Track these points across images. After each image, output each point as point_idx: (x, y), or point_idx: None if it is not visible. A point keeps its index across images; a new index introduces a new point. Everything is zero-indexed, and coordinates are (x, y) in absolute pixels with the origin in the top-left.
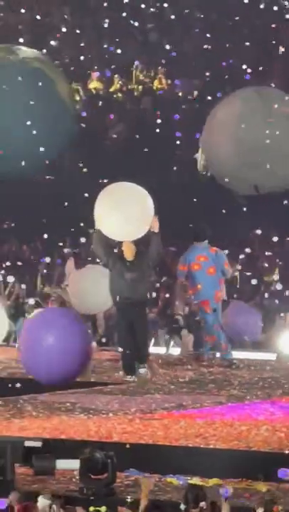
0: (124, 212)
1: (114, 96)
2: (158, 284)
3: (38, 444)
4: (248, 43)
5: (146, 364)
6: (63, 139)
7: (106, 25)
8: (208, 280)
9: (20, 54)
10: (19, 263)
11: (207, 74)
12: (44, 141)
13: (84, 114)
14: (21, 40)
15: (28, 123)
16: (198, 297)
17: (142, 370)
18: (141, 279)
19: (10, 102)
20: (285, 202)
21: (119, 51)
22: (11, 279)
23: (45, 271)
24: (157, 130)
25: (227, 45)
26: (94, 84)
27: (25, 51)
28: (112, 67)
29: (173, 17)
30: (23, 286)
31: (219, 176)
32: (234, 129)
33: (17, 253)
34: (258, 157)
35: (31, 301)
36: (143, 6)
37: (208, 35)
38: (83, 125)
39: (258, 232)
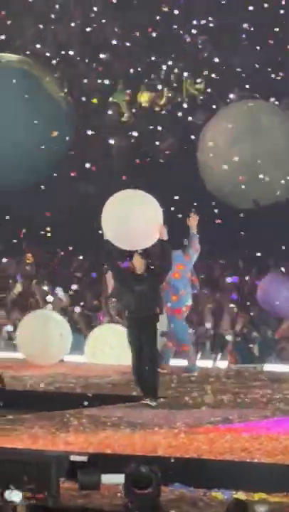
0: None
1: (163, 109)
2: None
3: (84, 458)
4: None
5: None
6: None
7: (156, 38)
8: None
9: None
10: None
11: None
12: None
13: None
14: (71, 52)
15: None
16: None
17: (153, 404)
18: (150, 292)
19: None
20: None
21: (170, 63)
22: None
23: None
24: None
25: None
26: (144, 98)
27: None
28: (162, 78)
29: (222, 29)
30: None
31: None
32: None
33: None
34: None
35: None
36: (193, 18)
37: (257, 47)
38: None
39: None
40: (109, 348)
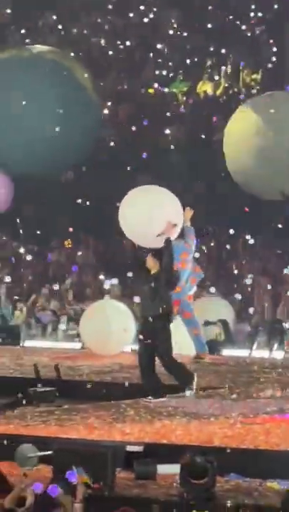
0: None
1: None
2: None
3: (140, 448)
4: None
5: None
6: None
7: (212, 28)
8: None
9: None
10: None
11: None
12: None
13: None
14: (128, 43)
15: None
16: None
17: (187, 393)
18: (158, 291)
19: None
20: None
21: (223, 51)
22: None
23: None
24: None
25: None
26: (204, 87)
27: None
28: (221, 69)
29: (280, 19)
30: None
31: None
32: None
33: None
34: None
35: None
36: (251, 7)
37: None
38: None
39: None
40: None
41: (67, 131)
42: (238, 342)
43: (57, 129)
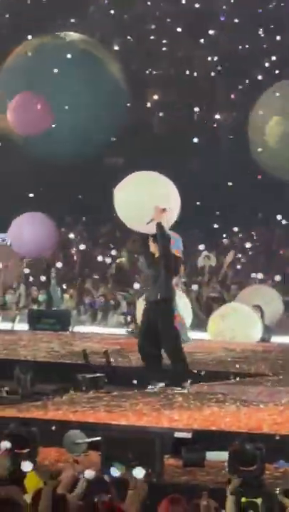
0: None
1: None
2: None
3: (188, 435)
4: None
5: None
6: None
7: (262, 14)
8: None
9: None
10: None
11: None
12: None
13: None
14: (179, 29)
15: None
16: None
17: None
18: (159, 275)
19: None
20: None
21: (278, 39)
22: None
23: None
24: None
25: None
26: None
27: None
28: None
29: None
30: None
31: None
32: None
33: None
34: None
35: None
36: None
37: None
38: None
39: None
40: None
41: (93, 119)
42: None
43: (83, 118)
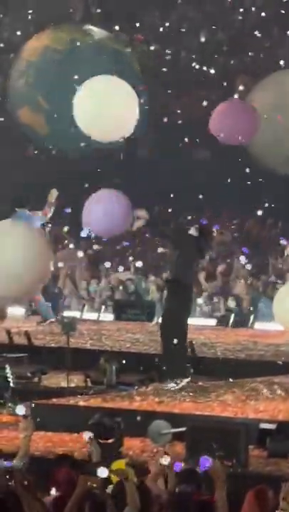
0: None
1: None
2: None
3: (273, 426)
4: None
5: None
6: None
7: None
8: None
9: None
10: None
11: None
12: None
13: None
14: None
15: None
16: None
17: (170, 385)
18: (183, 257)
19: None
20: None
21: None
22: None
23: None
24: None
25: None
26: None
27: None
28: None
29: None
30: None
31: None
32: None
33: None
34: None
35: None
36: None
37: None
38: None
39: None
40: None
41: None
42: None
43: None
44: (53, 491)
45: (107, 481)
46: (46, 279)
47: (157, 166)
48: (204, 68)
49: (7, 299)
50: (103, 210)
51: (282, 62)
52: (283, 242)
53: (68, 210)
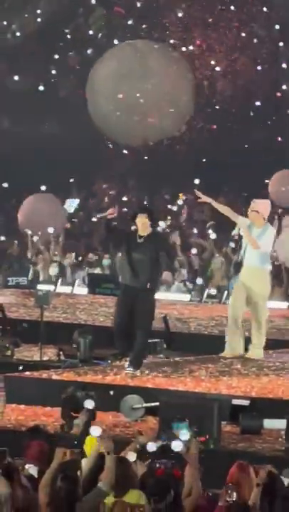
0: None
1: None
2: None
3: (246, 402)
4: None
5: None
6: None
7: None
8: None
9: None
10: None
11: None
12: None
13: None
14: None
15: None
16: None
17: (129, 368)
18: (149, 262)
19: None
20: None
21: None
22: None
23: None
24: None
25: None
26: None
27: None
28: None
29: None
30: None
31: None
32: None
33: None
34: None
35: None
36: None
37: None
38: None
39: None
40: None
41: None
42: None
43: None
44: (28, 466)
45: (82, 453)
46: None
47: None
48: None
49: None
50: None
51: None
52: None
53: None
